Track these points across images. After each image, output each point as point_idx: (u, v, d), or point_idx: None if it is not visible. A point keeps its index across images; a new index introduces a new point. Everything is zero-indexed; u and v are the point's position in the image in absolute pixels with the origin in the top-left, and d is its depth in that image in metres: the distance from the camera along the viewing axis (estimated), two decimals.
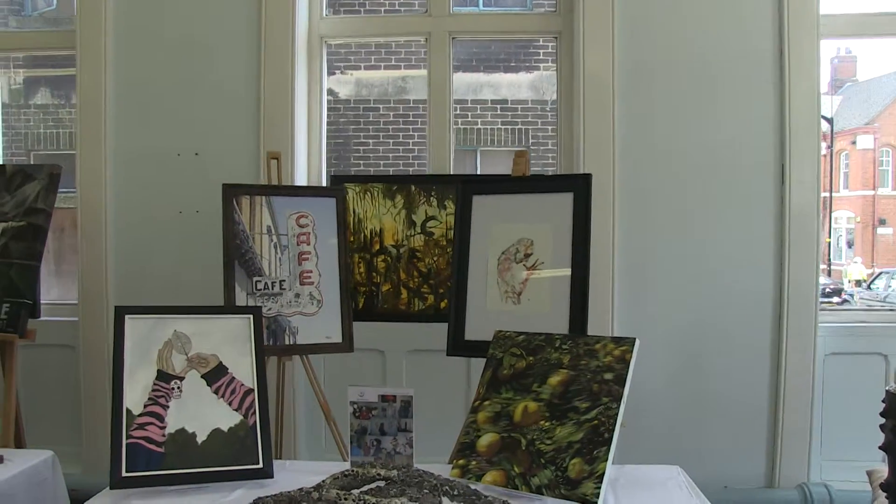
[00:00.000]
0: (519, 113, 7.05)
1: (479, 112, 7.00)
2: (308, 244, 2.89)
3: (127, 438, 2.31)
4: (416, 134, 6.85)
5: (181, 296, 3.14)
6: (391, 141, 6.83)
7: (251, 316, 2.57)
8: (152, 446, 2.32)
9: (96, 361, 3.46)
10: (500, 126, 7.05)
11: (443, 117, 3.53)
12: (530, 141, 6.96)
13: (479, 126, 6.99)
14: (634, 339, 2.12)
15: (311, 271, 2.87)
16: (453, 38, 3.52)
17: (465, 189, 2.89)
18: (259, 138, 3.32)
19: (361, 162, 6.87)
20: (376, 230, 3.23)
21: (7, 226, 2.94)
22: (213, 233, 3.27)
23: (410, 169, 6.83)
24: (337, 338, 2.87)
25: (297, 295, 2.84)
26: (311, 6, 3.49)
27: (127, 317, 2.47)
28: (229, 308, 2.68)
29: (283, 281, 2.83)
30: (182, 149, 3.37)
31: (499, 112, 7.04)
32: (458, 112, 7.10)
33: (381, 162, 6.80)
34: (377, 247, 3.23)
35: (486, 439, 2.24)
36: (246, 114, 3.35)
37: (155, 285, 3.35)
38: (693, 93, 3.29)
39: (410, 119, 6.86)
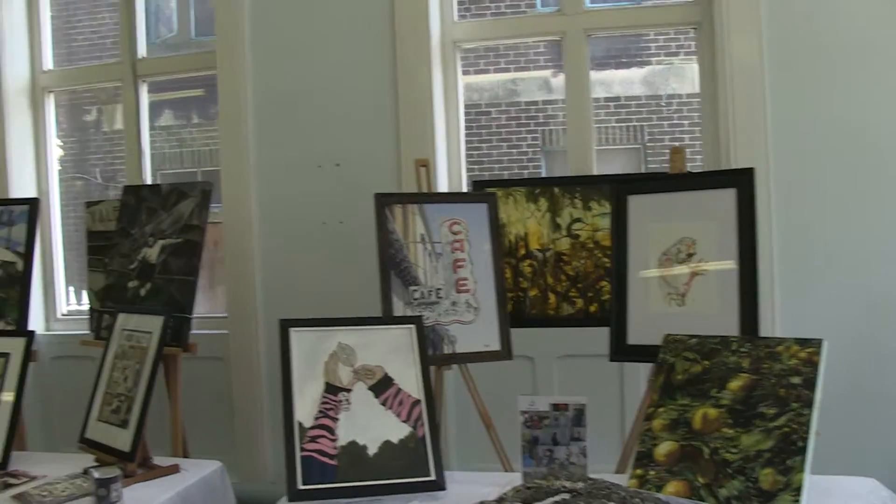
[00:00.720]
0: (633, 110, 6.91)
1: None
2: (462, 251, 2.85)
3: (301, 451, 2.32)
4: (528, 136, 6.80)
5: (329, 307, 3.11)
6: (504, 144, 6.79)
7: (413, 326, 2.56)
8: (325, 459, 2.32)
9: (246, 373, 3.52)
10: (613, 124, 6.92)
11: (583, 117, 3.45)
12: (645, 138, 6.81)
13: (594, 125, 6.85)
14: (821, 340, 2.00)
15: (466, 279, 2.83)
16: (589, 36, 3.43)
17: (619, 189, 2.80)
18: (399, 146, 3.31)
19: (476, 167, 6.85)
20: (521, 235, 3.17)
21: (166, 243, 3.01)
22: (357, 243, 3.30)
23: (525, 172, 6.77)
24: (495, 345, 2.82)
25: (454, 303, 2.81)
26: (443, 11, 3.46)
27: (291, 330, 2.49)
28: (391, 318, 2.67)
29: (440, 289, 2.80)
30: (323, 160, 3.39)
31: (612, 110, 6.90)
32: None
33: (495, 166, 6.76)
34: (522, 251, 3.17)
35: (664, 448, 2.14)
36: (384, 122, 3.34)
37: (302, 297, 3.38)
38: (849, 77, 3.10)
39: (522, 121, 6.81)
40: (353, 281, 3.29)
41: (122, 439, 2.50)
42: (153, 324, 2.58)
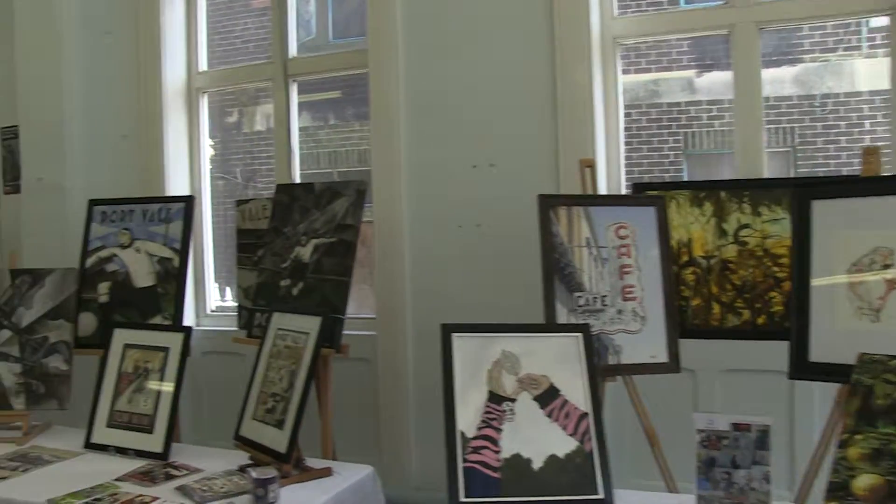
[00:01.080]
0: (783, 111, 6.52)
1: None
2: (629, 257, 2.69)
3: (463, 462, 2.22)
4: (670, 139, 6.53)
5: (480, 312, 3.04)
6: (645, 147, 6.54)
7: (580, 334, 2.42)
8: (488, 471, 2.21)
9: (393, 376, 3.47)
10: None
11: (753, 116, 3.22)
12: (796, 140, 6.42)
13: (763, 125, 6.48)
14: None
15: (633, 286, 2.67)
16: (761, 29, 3.19)
17: (802, 194, 2.57)
18: (557, 147, 3.17)
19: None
20: (684, 240, 2.97)
21: (319, 242, 2.98)
22: (511, 246, 3.18)
23: (666, 176, 6.50)
24: (662, 357, 2.65)
25: (620, 311, 2.65)
26: (603, 6, 3.30)
27: (454, 335, 2.40)
28: (556, 326, 2.54)
29: (605, 296, 2.65)
30: (478, 160, 3.29)
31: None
32: (713, 113, 6.72)
33: (635, 170, 6.51)
34: (685, 258, 2.96)
35: (864, 481, 1.92)
36: (542, 122, 3.21)
37: (452, 301, 3.29)
38: None
39: (664, 124, 6.55)
40: (506, 285, 3.19)
41: (277, 439, 2.47)
42: (310, 324, 2.55)
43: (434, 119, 3.38)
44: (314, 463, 2.55)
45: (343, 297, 2.87)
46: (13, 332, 3.05)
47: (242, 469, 2.52)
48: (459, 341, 2.38)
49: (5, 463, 2.66)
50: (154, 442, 2.72)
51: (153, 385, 2.80)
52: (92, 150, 3.89)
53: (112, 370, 2.88)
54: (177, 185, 3.94)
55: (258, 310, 3.11)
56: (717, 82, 6.47)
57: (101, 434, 2.80)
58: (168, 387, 2.77)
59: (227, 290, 4.49)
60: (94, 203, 3.41)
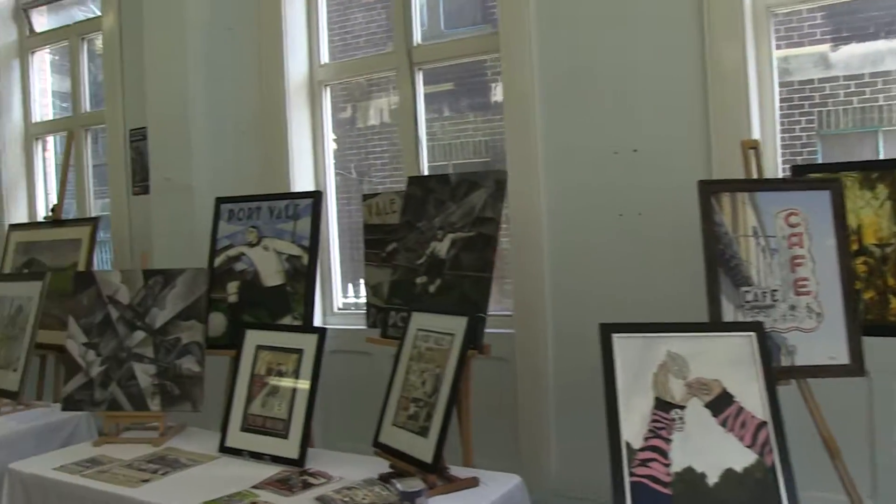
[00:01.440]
0: None
1: (879, 87, 6.03)
2: (801, 247, 2.42)
3: (630, 476, 2.02)
4: (802, 119, 6.09)
5: (627, 308, 2.84)
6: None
7: (753, 333, 2.18)
8: (658, 486, 2.00)
9: (532, 376, 3.28)
10: (881, 102, 6.04)
11: None
12: None
13: (882, 103, 6.03)
14: None
15: (806, 279, 2.40)
16: None
17: None
18: (708, 128, 2.90)
19: None
20: (854, 227, 2.67)
21: (456, 237, 2.82)
22: (657, 236, 2.96)
23: (798, 159, 6.07)
24: (843, 359, 2.37)
25: (793, 307, 2.38)
26: None
27: (615, 336, 2.20)
28: (726, 325, 2.30)
29: (775, 291, 2.39)
30: (619, 146, 3.07)
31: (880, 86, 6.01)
32: (851, 89, 6.25)
33: None
34: (856, 246, 2.67)
35: None
36: (690, 102, 2.95)
37: (595, 297, 3.08)
38: None
39: (795, 103, 6.12)
40: (653, 279, 2.96)
41: (421, 448, 2.31)
42: (454, 325, 2.38)
43: (571, 103, 3.15)
44: (457, 472, 2.39)
45: (485, 295, 2.70)
46: (147, 332, 3.01)
47: (384, 478, 2.39)
48: (621, 342, 2.17)
49: (145, 465, 2.63)
50: (289, 448, 2.61)
51: (287, 388, 2.71)
52: (215, 148, 3.86)
53: (245, 373, 2.80)
54: (301, 180, 3.87)
55: (393, 308, 2.98)
56: (854, 55, 5.99)
57: (236, 438, 2.72)
58: (303, 390, 2.67)
59: (351, 287, 4.40)
60: (221, 201, 3.35)
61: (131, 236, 4.16)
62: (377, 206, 3.45)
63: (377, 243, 3.41)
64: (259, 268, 3.23)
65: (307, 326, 2.83)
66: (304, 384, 2.68)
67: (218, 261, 3.29)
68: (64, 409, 3.00)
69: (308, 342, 2.73)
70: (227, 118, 3.93)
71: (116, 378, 2.97)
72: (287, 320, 3.13)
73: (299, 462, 2.56)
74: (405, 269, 2.97)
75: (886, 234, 2.64)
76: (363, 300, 3.68)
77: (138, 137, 4.06)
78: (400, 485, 2.14)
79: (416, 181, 3.05)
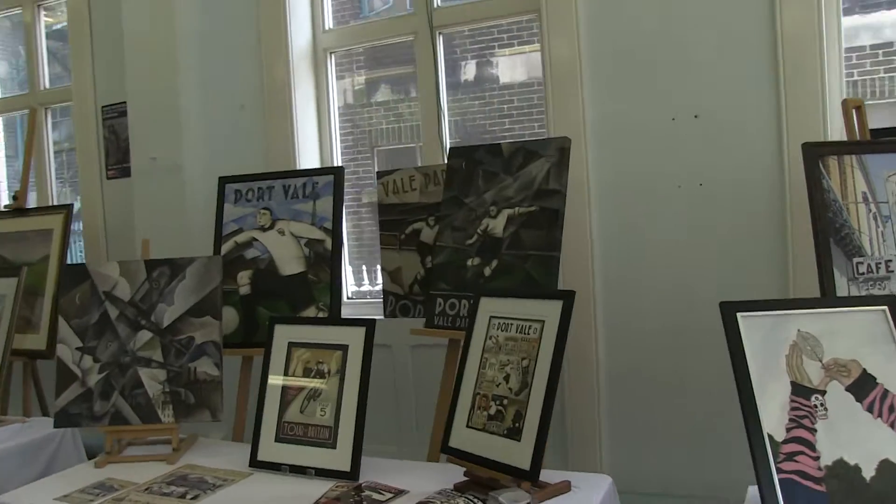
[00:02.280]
0: None
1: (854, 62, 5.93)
2: None
3: (778, 473, 1.76)
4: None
5: (694, 294, 2.59)
6: None
7: (885, 308, 1.94)
8: (810, 483, 1.74)
9: (581, 365, 3.00)
10: (882, 75, 5.97)
11: None
12: None
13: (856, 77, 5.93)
14: None
15: None
16: None
17: None
18: (778, 90, 2.66)
19: None
20: None
21: (514, 212, 2.52)
22: (722, 207, 2.72)
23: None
24: None
25: None
26: None
27: (739, 315, 1.93)
28: (855, 299, 2.07)
29: (890, 261, 2.17)
30: (677, 112, 2.80)
31: (880, 59, 5.94)
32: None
33: None
34: None
35: None
36: (757, 66, 2.70)
37: (651, 277, 2.81)
38: None
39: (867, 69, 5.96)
40: (718, 257, 2.72)
41: (512, 452, 2.01)
42: (545, 309, 2.08)
43: (623, 67, 2.88)
44: (546, 475, 2.10)
45: (553, 276, 2.41)
46: (154, 333, 2.61)
47: (460, 488, 2.09)
48: (747, 322, 1.91)
49: (167, 488, 2.24)
50: (339, 459, 2.27)
51: (332, 390, 2.36)
52: (209, 124, 3.44)
53: (276, 374, 2.44)
54: (307, 157, 3.49)
55: (440, 295, 2.65)
56: None
57: (270, 450, 2.36)
58: (352, 392, 2.33)
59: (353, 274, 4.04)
60: (225, 181, 2.96)
61: (106, 225, 3.70)
62: (394, 183, 3.11)
63: (394, 224, 3.08)
64: (274, 254, 2.86)
65: (352, 319, 2.48)
66: (352, 384, 2.33)
67: (225, 248, 2.91)
68: (57, 425, 2.57)
69: (354, 337, 2.38)
70: (223, 91, 3.52)
71: (120, 387, 2.57)
72: (311, 312, 2.78)
73: (352, 475, 2.23)
74: (452, 249, 2.65)
75: None
76: (378, 287, 3.35)
77: (112, 114, 3.61)
78: (503, 497, 1.83)
79: (460, 152, 2.72)
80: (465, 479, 2.13)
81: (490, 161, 2.61)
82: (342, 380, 2.36)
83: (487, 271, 2.54)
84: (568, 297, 2.04)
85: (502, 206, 2.54)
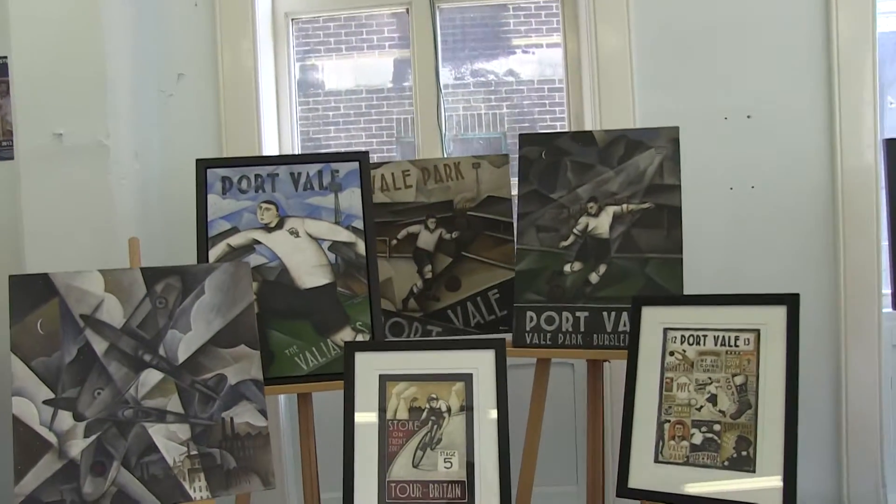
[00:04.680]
0: None
1: None
2: None
3: None
4: None
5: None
6: None
7: None
8: None
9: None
10: None
11: None
12: None
13: None
14: None
15: None
16: None
17: None
18: (832, 91, 2.61)
19: None
20: None
21: (622, 210, 2.17)
22: (777, 211, 2.64)
23: None
24: None
25: None
26: None
27: None
28: None
29: None
30: (730, 112, 2.65)
31: None
32: None
33: None
34: None
35: None
36: (811, 60, 2.64)
37: (699, 278, 2.60)
38: None
39: None
40: (769, 261, 2.63)
41: (742, 486, 1.69)
42: (759, 316, 1.78)
43: (672, 62, 2.65)
44: None
45: (678, 280, 2.11)
46: (166, 372, 1.82)
47: None
48: None
49: None
50: None
51: (457, 432, 1.82)
52: (136, 94, 2.55)
53: (368, 420, 1.84)
54: (267, 141, 2.75)
55: (534, 308, 2.20)
56: None
57: None
58: (488, 429, 1.82)
59: None
60: (206, 165, 2.21)
61: None
62: (382, 178, 2.59)
63: (383, 227, 2.55)
64: (288, 262, 2.20)
65: (471, 339, 1.92)
66: (487, 424, 1.82)
67: (215, 253, 2.17)
68: None
69: (479, 362, 1.87)
70: (154, 50, 2.66)
71: (121, 454, 1.75)
72: (347, 334, 2.18)
73: None
74: (541, 253, 2.21)
75: None
76: None
77: None
78: None
79: (536, 139, 2.29)
80: None
81: (581, 152, 2.24)
82: (470, 419, 1.83)
83: (594, 278, 2.16)
84: (792, 302, 1.77)
85: (605, 203, 2.19)
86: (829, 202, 2.60)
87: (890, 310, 2.56)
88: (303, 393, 2.18)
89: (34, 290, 1.78)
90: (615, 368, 2.61)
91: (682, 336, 1.85)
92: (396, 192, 2.59)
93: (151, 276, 1.87)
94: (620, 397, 1.91)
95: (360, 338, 2.18)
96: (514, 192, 2.41)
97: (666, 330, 1.87)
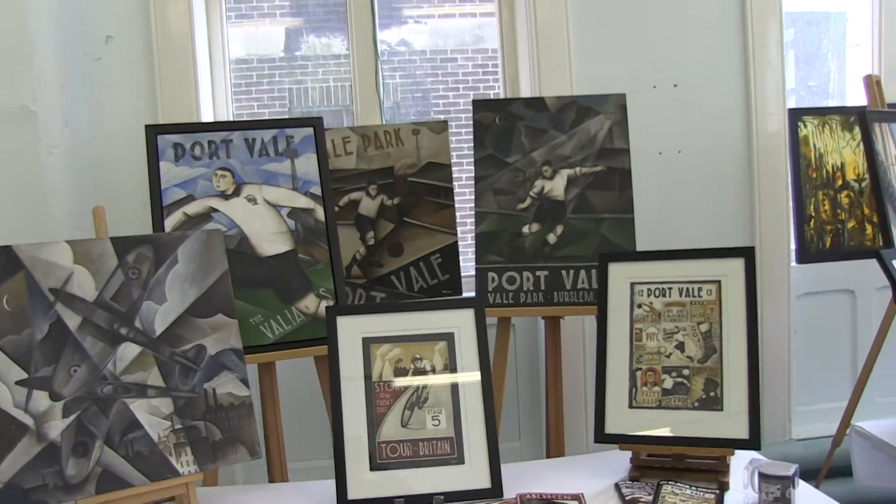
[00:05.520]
0: None
1: None
2: None
3: None
4: None
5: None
6: None
7: None
8: None
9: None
10: None
11: None
12: None
13: None
14: None
15: None
16: None
17: None
18: (747, 63, 2.78)
19: None
20: (837, 165, 2.93)
21: (575, 172, 2.26)
22: (700, 175, 2.81)
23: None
24: None
25: None
26: None
27: None
28: None
29: None
30: (658, 80, 2.78)
31: None
32: None
33: None
34: (840, 182, 2.93)
35: None
36: (729, 35, 2.82)
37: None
38: None
39: None
40: (696, 222, 2.80)
41: (714, 424, 1.83)
42: (719, 269, 1.91)
43: (603, 33, 2.75)
44: None
45: (631, 239, 2.23)
46: (144, 345, 1.75)
47: (634, 478, 1.84)
48: None
49: None
50: (472, 475, 1.81)
51: (443, 390, 1.86)
52: (61, 56, 2.36)
53: (354, 382, 1.84)
54: (204, 106, 2.63)
55: (493, 268, 2.25)
56: None
57: (367, 484, 1.77)
58: (473, 387, 1.87)
59: None
60: (155, 131, 2.11)
61: None
62: None
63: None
64: (247, 229, 2.14)
65: (455, 300, 1.95)
66: (470, 380, 1.87)
67: (171, 222, 2.09)
68: None
69: (459, 321, 1.91)
70: (83, 14, 2.47)
71: (103, 433, 1.67)
72: (311, 300, 2.16)
73: (494, 490, 1.80)
74: (499, 216, 2.27)
75: (861, 170, 2.94)
76: None
77: None
78: (768, 470, 1.66)
79: (490, 105, 2.32)
80: (634, 465, 1.87)
81: (533, 117, 2.30)
82: (454, 377, 1.87)
83: (552, 238, 2.24)
84: (749, 255, 1.92)
85: (559, 166, 2.27)
86: (746, 165, 2.81)
87: (794, 264, 2.82)
88: (265, 362, 2.15)
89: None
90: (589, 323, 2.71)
91: (649, 289, 1.96)
92: (337, 158, 2.57)
93: (122, 245, 1.78)
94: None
95: (324, 304, 2.16)
96: (454, 158, 2.45)
97: (633, 284, 1.97)
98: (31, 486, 1.59)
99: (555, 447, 2.33)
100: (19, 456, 1.60)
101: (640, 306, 1.96)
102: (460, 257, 2.51)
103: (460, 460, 1.81)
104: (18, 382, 1.63)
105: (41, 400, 1.64)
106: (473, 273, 2.30)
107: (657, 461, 1.87)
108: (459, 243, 2.51)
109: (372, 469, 1.79)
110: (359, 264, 2.56)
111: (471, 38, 3.92)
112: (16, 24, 2.18)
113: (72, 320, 1.70)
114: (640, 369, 1.92)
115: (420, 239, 2.56)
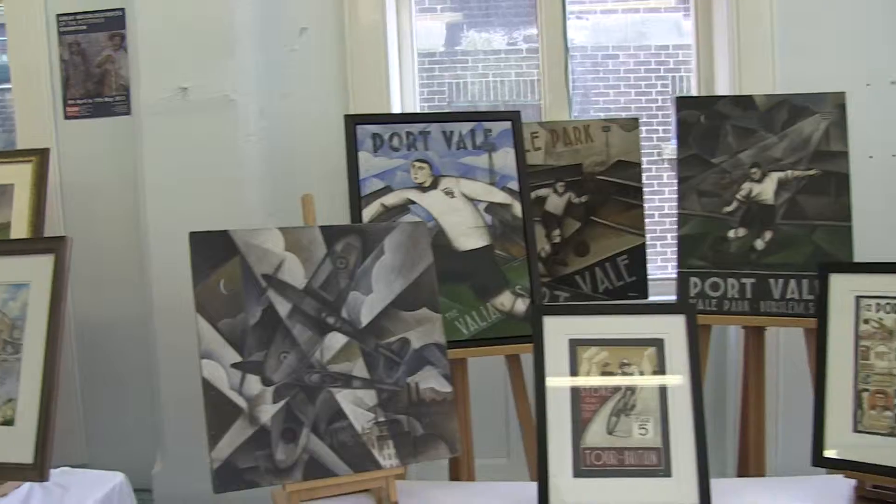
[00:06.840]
0: None
1: None
2: None
3: None
4: None
5: None
6: None
7: None
8: None
9: None
10: None
11: None
12: None
13: None
14: None
15: None
16: None
17: None
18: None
19: None
20: None
21: (786, 176, 2.12)
22: None
23: None
24: None
25: None
26: None
27: None
28: None
29: None
30: (872, 78, 2.58)
31: None
32: None
33: None
34: None
35: None
36: None
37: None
38: None
39: None
40: None
41: None
42: None
43: (810, 26, 2.60)
44: None
45: (848, 248, 2.07)
46: (350, 336, 1.73)
47: None
48: None
49: None
50: (678, 490, 1.70)
51: (649, 399, 1.76)
52: (261, 47, 2.42)
53: (560, 384, 1.77)
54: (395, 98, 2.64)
55: (699, 273, 2.14)
56: None
57: (571, 491, 1.69)
58: (682, 399, 1.76)
59: None
60: (354, 121, 2.11)
61: (62, 185, 2.41)
62: None
63: None
64: (443, 223, 2.11)
65: (666, 304, 1.86)
66: (681, 389, 1.76)
67: (369, 213, 2.07)
68: (220, 489, 1.58)
69: (670, 326, 1.80)
70: (279, 5, 2.53)
71: (311, 420, 1.66)
72: (506, 298, 2.11)
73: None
74: (704, 219, 2.16)
75: None
76: None
77: (75, 27, 2.37)
78: None
79: (695, 102, 2.22)
80: (858, 495, 1.72)
81: (741, 116, 2.17)
82: (664, 385, 1.77)
83: (759, 244, 2.11)
84: None
85: (768, 169, 2.13)
86: None
87: None
88: (457, 359, 2.11)
89: (214, 247, 1.68)
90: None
91: (878, 304, 1.80)
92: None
93: (330, 234, 1.78)
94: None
95: (519, 302, 2.10)
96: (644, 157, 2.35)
97: (858, 297, 1.82)
98: (246, 467, 1.60)
99: (755, 465, 2.19)
100: (234, 436, 1.61)
101: (867, 322, 1.80)
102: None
103: (667, 473, 1.71)
104: (234, 365, 1.64)
105: (254, 384, 1.65)
106: (659, 276, 2.20)
107: (887, 494, 1.72)
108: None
109: (575, 476, 1.71)
110: (543, 262, 2.49)
111: (633, 35, 3.80)
112: (222, 19, 2.23)
113: (282, 307, 1.70)
114: (868, 391, 1.76)
115: (607, 239, 2.47)
